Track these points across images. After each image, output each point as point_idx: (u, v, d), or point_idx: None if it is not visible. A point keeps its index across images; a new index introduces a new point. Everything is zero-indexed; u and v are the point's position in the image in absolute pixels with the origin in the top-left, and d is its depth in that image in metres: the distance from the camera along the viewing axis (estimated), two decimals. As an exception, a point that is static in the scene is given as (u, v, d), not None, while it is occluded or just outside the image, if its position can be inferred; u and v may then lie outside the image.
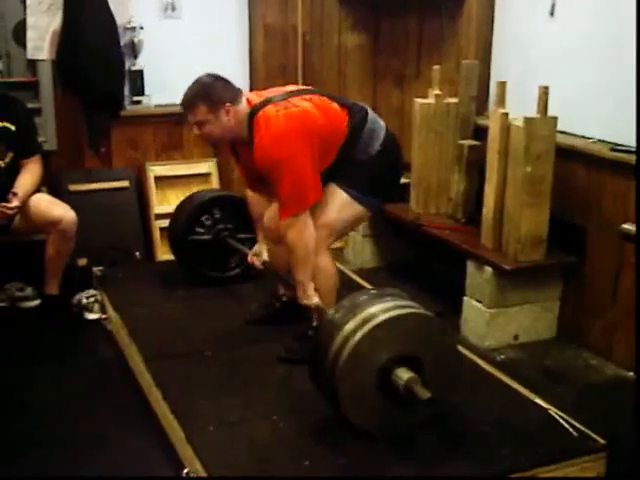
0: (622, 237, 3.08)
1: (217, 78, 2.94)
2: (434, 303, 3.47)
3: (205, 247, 3.72)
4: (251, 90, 4.04)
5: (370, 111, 3.08)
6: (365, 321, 2.36)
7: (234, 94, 2.92)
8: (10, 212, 3.46)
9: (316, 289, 3.00)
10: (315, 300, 2.92)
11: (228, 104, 2.87)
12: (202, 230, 3.71)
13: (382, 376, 2.38)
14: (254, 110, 2.89)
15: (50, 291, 3.70)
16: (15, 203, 3.46)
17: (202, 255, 3.73)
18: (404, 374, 2.35)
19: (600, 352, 3.34)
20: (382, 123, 3.08)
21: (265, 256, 3.31)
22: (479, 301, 3.43)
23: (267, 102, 2.90)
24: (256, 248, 3.36)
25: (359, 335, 2.33)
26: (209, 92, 2.88)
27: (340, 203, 3.00)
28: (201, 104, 2.86)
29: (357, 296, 2.50)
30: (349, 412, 2.42)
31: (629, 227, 3.06)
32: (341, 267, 3.79)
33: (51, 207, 3.62)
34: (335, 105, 2.98)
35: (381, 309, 2.39)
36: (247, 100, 2.94)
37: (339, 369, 2.35)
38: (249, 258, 3.36)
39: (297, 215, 2.84)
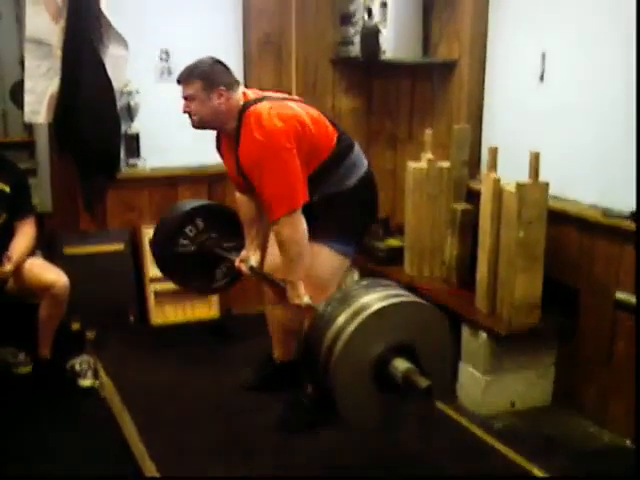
0: (616, 306, 3.12)
1: (219, 62, 2.99)
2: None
3: (190, 258, 3.60)
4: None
5: (357, 146, 3.11)
6: (357, 312, 2.29)
7: (231, 81, 2.96)
8: (3, 276, 3.48)
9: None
10: (306, 299, 2.87)
11: (222, 87, 2.91)
12: (186, 242, 3.59)
13: (378, 367, 2.31)
14: (247, 104, 2.91)
15: (43, 354, 3.70)
16: (8, 267, 3.48)
17: (188, 267, 3.61)
18: (401, 364, 2.28)
19: (596, 418, 3.31)
20: (365, 162, 3.11)
21: (252, 261, 3.25)
22: (475, 367, 3.42)
23: (262, 99, 2.93)
24: (243, 253, 3.30)
25: (352, 327, 2.26)
26: (207, 71, 2.93)
27: (326, 262, 3.00)
28: (197, 79, 2.90)
29: (348, 288, 2.44)
30: (345, 407, 2.36)
31: (623, 296, 3.11)
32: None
33: (44, 271, 3.63)
34: (328, 124, 3.02)
35: (373, 299, 2.33)
36: (243, 94, 2.97)
37: (333, 363, 2.28)
38: (236, 264, 3.30)
39: (290, 213, 2.81)
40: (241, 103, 2.92)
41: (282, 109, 2.87)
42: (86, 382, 3.65)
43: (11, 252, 3.53)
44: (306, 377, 2.46)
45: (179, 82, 2.97)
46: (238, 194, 3.28)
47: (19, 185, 3.72)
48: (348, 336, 2.26)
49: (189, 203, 3.73)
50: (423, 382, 2.24)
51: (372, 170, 3.14)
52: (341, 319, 2.29)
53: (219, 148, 3.19)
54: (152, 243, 3.78)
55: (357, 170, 3.05)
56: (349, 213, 3.03)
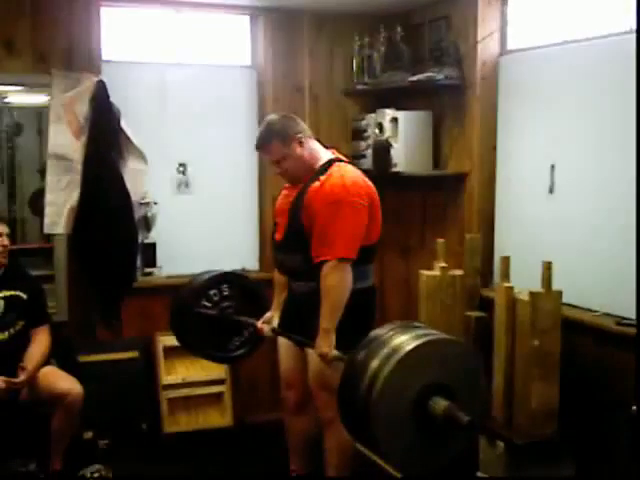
0: (635, 419, 3.09)
1: (284, 115, 3.11)
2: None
3: (208, 323, 3.52)
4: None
5: (372, 265, 3.19)
6: (390, 354, 2.26)
7: (303, 128, 3.07)
8: (17, 387, 3.48)
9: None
10: (334, 353, 2.84)
11: (299, 135, 3.00)
12: (209, 304, 3.53)
13: (416, 408, 2.26)
14: (338, 158, 3.06)
15: (54, 467, 3.65)
16: (23, 377, 3.49)
17: (204, 331, 3.53)
18: (440, 402, 2.24)
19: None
20: (372, 278, 3.18)
21: (275, 323, 3.24)
22: (492, 477, 3.37)
23: (349, 162, 3.11)
24: (267, 315, 3.31)
25: (387, 369, 2.23)
26: (279, 128, 3.02)
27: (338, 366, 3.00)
28: (274, 141, 3.00)
29: (377, 333, 2.39)
30: (390, 451, 2.32)
31: None
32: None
33: (58, 380, 3.64)
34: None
35: (405, 340, 2.30)
36: (331, 150, 3.12)
37: (372, 408, 2.23)
38: (259, 325, 3.29)
39: (343, 259, 2.86)
40: (324, 151, 3.08)
41: (367, 179, 3.05)
42: (98, 492, 3.60)
43: (26, 362, 3.55)
44: (345, 426, 2.41)
45: (258, 149, 3.09)
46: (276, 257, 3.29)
47: (35, 293, 3.78)
48: (384, 379, 2.23)
49: (218, 270, 3.70)
50: (464, 417, 2.21)
51: (374, 289, 3.21)
52: (375, 363, 2.26)
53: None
54: (172, 302, 3.69)
55: (367, 279, 3.12)
56: (345, 317, 2.99)
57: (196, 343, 3.59)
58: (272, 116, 3.11)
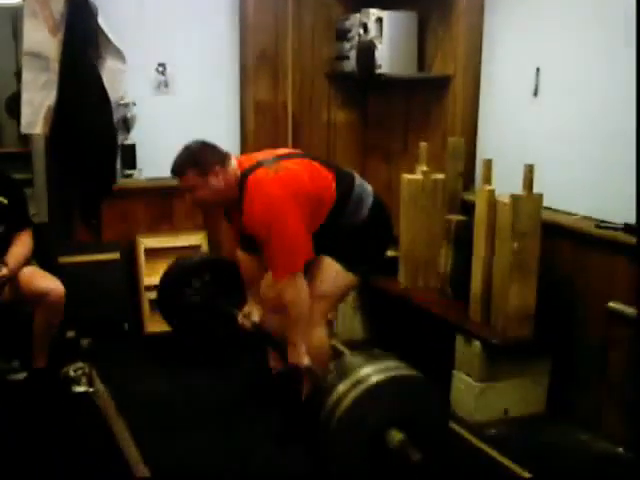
0: (609, 316, 3.16)
1: (204, 144, 3.00)
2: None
3: (194, 311, 3.66)
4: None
5: (357, 177, 3.16)
6: (356, 383, 2.36)
7: (222, 158, 2.97)
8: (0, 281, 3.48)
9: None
10: (306, 361, 2.91)
11: (217, 167, 2.92)
12: (191, 293, 3.66)
13: (373, 437, 2.38)
14: (245, 173, 2.93)
15: (38, 364, 3.69)
16: (4, 272, 3.49)
17: (191, 320, 3.69)
18: (396, 435, 2.36)
19: (590, 427, 3.33)
20: (369, 189, 3.15)
21: (255, 317, 3.29)
22: (468, 375, 3.44)
23: (258, 165, 2.95)
24: (246, 309, 3.34)
25: (350, 396, 2.33)
26: (197, 158, 2.94)
27: (334, 274, 3.05)
28: (190, 170, 2.92)
29: (347, 359, 2.56)
30: (340, 472, 2.42)
31: (616, 306, 3.15)
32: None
33: (40, 279, 3.63)
34: (324, 171, 3.05)
35: (372, 371, 2.40)
36: (238, 163, 2.99)
37: (330, 433, 2.35)
38: (239, 319, 3.34)
39: (291, 275, 2.87)
40: (238, 174, 2.95)
41: (278, 172, 2.91)
42: (80, 388, 3.64)
43: (8, 258, 3.54)
44: (305, 441, 2.54)
45: (174, 175, 2.98)
46: (240, 253, 3.32)
47: (16, 197, 3.73)
48: (346, 406, 2.34)
49: (198, 256, 3.86)
50: (416, 455, 2.33)
51: (378, 194, 3.18)
52: (341, 389, 2.37)
53: (226, 213, 3.20)
54: (158, 290, 3.89)
55: (365, 200, 3.10)
56: (366, 243, 3.09)
57: (185, 331, 3.78)
58: (190, 143, 3.00)
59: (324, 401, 2.38)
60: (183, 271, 3.78)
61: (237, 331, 3.52)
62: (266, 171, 2.91)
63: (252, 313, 3.31)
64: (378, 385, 2.37)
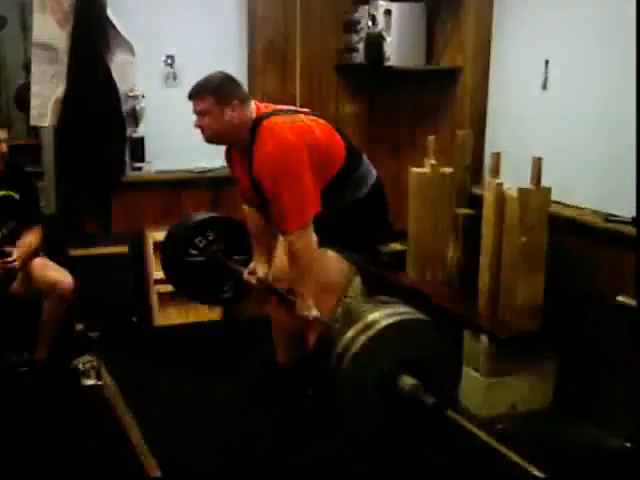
0: (617, 309, 3.14)
1: (230, 77, 3.01)
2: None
3: (199, 269, 3.59)
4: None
5: (365, 158, 3.16)
6: (366, 328, 2.31)
7: (243, 96, 2.97)
8: (11, 266, 3.48)
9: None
10: (314, 312, 2.90)
11: (236, 101, 2.92)
12: (196, 252, 3.59)
13: (385, 384, 2.32)
14: (260, 117, 2.93)
15: (39, 356, 3.72)
16: (16, 256, 3.49)
17: (196, 278, 3.60)
18: (408, 380, 2.30)
19: (598, 422, 3.32)
20: (374, 171, 3.16)
21: (261, 273, 3.26)
22: (476, 370, 3.44)
23: (275, 113, 2.96)
24: (251, 266, 3.31)
25: (360, 341, 2.28)
26: (219, 86, 2.94)
27: (335, 265, 3.05)
28: (209, 94, 2.91)
29: (355, 305, 2.47)
30: (351, 421, 2.39)
31: (624, 299, 3.13)
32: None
33: (50, 271, 3.66)
34: (337, 136, 3.05)
35: (381, 315, 2.35)
36: (256, 107, 2.99)
37: (340, 377, 2.30)
38: (244, 276, 3.31)
39: (302, 226, 2.85)
40: (254, 116, 2.94)
41: (294, 122, 2.91)
42: (89, 381, 3.66)
43: (18, 247, 3.55)
44: (314, 389, 2.49)
45: (190, 97, 2.96)
46: (246, 207, 3.30)
47: (28, 193, 3.74)
48: (356, 350, 2.28)
49: (199, 214, 3.75)
50: (429, 400, 2.27)
51: (381, 178, 3.18)
52: (350, 334, 2.31)
53: (229, 161, 3.21)
54: (161, 251, 3.79)
55: (367, 180, 3.10)
56: (362, 223, 3.08)
57: (194, 292, 3.66)
58: (216, 72, 2.99)
59: (332, 348, 2.32)
60: (187, 231, 3.65)
61: (242, 289, 3.51)
62: (282, 118, 2.91)
63: (258, 269, 3.28)
64: (387, 329, 2.31)
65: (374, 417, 2.37)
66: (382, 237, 3.34)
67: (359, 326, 2.31)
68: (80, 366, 3.71)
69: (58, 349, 3.76)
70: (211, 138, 3.00)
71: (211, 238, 3.60)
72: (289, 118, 2.93)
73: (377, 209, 3.17)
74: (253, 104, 2.99)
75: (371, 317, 2.34)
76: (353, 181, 3.05)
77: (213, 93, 2.90)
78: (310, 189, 2.86)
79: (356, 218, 3.06)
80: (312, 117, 3.06)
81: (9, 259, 3.49)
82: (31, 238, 3.67)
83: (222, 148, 4.31)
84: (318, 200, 2.90)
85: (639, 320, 2.98)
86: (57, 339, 3.76)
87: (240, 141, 2.97)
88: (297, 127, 2.89)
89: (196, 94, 2.94)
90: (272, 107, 3.03)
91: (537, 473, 2.77)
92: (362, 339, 2.28)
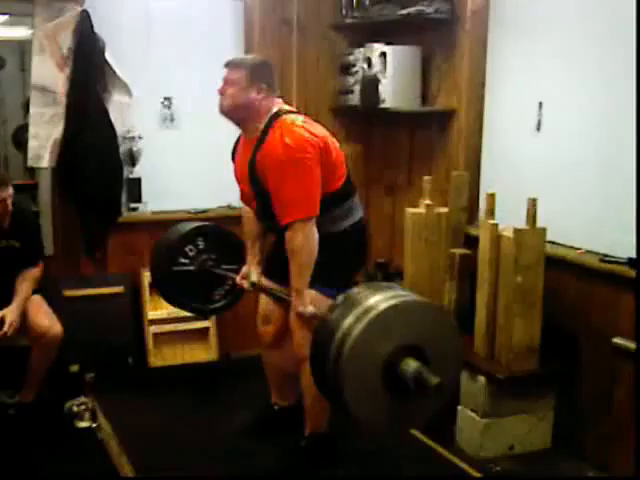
0: (614, 352, 3.14)
1: (269, 63, 3.11)
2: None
3: (189, 278, 3.54)
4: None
5: (357, 195, 3.20)
6: (363, 314, 2.27)
7: (273, 84, 3.04)
8: (1, 333, 3.50)
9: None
10: (310, 309, 2.90)
11: (264, 86, 2.98)
12: (186, 261, 3.54)
13: (387, 368, 2.28)
14: (281, 111, 3.01)
15: (25, 398, 3.71)
16: (7, 322, 3.51)
17: (186, 287, 3.55)
18: (411, 363, 2.26)
19: (596, 463, 3.31)
20: (361, 211, 3.19)
21: (254, 277, 3.25)
22: (473, 410, 3.42)
23: (295, 112, 3.05)
24: (245, 270, 3.31)
25: (359, 328, 2.24)
26: (257, 66, 3.02)
27: (315, 299, 2.99)
28: (244, 69, 2.98)
29: (351, 293, 2.41)
30: (356, 410, 2.33)
31: (621, 342, 3.13)
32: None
33: (41, 317, 3.67)
34: (343, 159, 3.12)
35: (378, 300, 2.31)
36: (281, 102, 3.07)
37: (342, 366, 2.25)
38: (237, 280, 3.31)
39: (305, 219, 2.87)
40: (275, 109, 3.01)
41: (314, 125, 2.99)
42: (83, 424, 3.63)
43: (12, 306, 3.56)
44: (315, 382, 2.44)
45: (227, 65, 3.03)
46: (245, 209, 3.31)
47: (30, 238, 3.76)
48: (356, 337, 2.24)
49: (190, 223, 3.71)
50: (434, 380, 2.23)
51: (366, 221, 3.22)
52: (348, 321, 2.27)
53: (234, 153, 3.23)
54: (151, 260, 3.72)
55: (353, 215, 3.12)
56: (338, 257, 3.05)
57: (182, 302, 3.61)
58: (257, 55, 3.09)
59: (332, 335, 2.28)
60: (177, 238, 3.61)
61: (234, 295, 3.51)
62: (302, 119, 3.00)
63: (251, 273, 3.27)
64: (386, 313, 2.27)
65: (378, 403, 2.33)
66: (354, 274, 3.29)
67: (359, 310, 2.29)
68: (74, 408, 3.69)
69: (52, 391, 3.73)
70: (227, 109, 3.03)
71: (202, 247, 3.56)
72: (310, 121, 3.01)
73: (354, 246, 3.16)
74: (279, 100, 3.07)
75: (369, 302, 2.31)
76: (342, 210, 3.06)
77: (248, 68, 2.98)
78: (317, 186, 2.90)
79: (331, 251, 3.00)
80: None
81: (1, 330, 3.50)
82: (27, 284, 3.68)
83: (218, 189, 4.44)
84: (318, 201, 2.92)
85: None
86: (50, 381, 3.74)
87: (251, 125, 3.01)
88: (316, 129, 2.97)
89: (233, 64, 3.03)
90: (295, 109, 3.13)
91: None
92: (363, 322, 2.25)
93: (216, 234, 3.61)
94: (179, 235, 3.58)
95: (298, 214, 2.87)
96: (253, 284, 3.24)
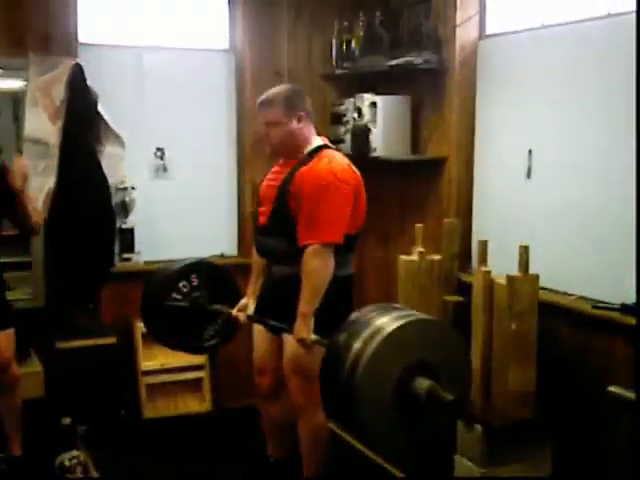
0: (609, 400, 3.12)
1: (298, 89, 3.13)
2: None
3: (180, 315, 3.45)
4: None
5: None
6: (372, 336, 2.26)
7: (308, 108, 3.07)
8: None
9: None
10: (313, 337, 2.85)
11: (302, 113, 3.01)
12: (179, 297, 3.46)
13: (400, 389, 2.28)
14: (327, 145, 3.08)
15: (14, 452, 3.62)
16: None
17: (176, 324, 3.46)
18: (423, 382, 2.26)
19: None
20: (352, 268, 3.18)
21: (250, 310, 3.22)
22: (470, 459, 3.39)
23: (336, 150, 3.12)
24: (242, 302, 3.28)
25: (369, 351, 2.24)
26: (290, 96, 3.02)
27: (317, 353, 2.98)
28: (277, 105, 2.99)
29: (357, 315, 2.42)
30: (373, 433, 2.33)
31: (616, 390, 3.12)
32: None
33: (5, 347, 3.50)
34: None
35: (385, 321, 2.32)
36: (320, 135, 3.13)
37: (355, 391, 2.24)
38: (234, 312, 3.27)
39: (327, 244, 2.88)
40: (314, 136, 3.07)
41: (352, 166, 3.06)
42: (75, 478, 3.57)
43: None
44: (328, 412, 2.42)
45: (260, 106, 3.05)
46: (255, 237, 3.29)
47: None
48: (368, 360, 2.24)
49: (186, 259, 3.65)
50: (447, 396, 2.23)
51: (354, 276, 3.22)
52: (357, 344, 2.27)
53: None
54: (143, 295, 3.61)
55: (347, 268, 3.11)
56: (330, 301, 2.99)
57: (171, 338, 3.53)
58: (286, 84, 3.15)
59: (342, 362, 2.27)
60: (170, 274, 3.54)
61: (229, 331, 3.45)
62: (344, 157, 3.08)
63: (249, 306, 3.24)
64: (395, 333, 2.27)
65: (394, 425, 2.32)
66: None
67: (366, 333, 2.29)
68: (66, 462, 3.63)
69: (44, 444, 3.68)
70: (275, 148, 3.07)
71: (195, 284, 3.51)
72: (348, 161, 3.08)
73: (345, 297, 3.12)
74: (312, 126, 3.11)
75: (376, 324, 2.31)
76: (341, 257, 3.02)
77: (281, 103, 3.00)
78: (347, 216, 2.94)
79: (328, 294, 2.97)
80: None
81: None
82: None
83: (211, 239, 4.46)
84: (343, 234, 2.94)
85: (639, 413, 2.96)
86: (41, 434, 3.68)
87: (298, 153, 3.04)
88: (355, 170, 3.06)
89: (267, 103, 3.03)
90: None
91: None
92: (372, 346, 2.25)
93: (209, 272, 3.57)
94: (173, 270, 3.54)
95: (324, 236, 2.88)
96: (250, 317, 3.21)
